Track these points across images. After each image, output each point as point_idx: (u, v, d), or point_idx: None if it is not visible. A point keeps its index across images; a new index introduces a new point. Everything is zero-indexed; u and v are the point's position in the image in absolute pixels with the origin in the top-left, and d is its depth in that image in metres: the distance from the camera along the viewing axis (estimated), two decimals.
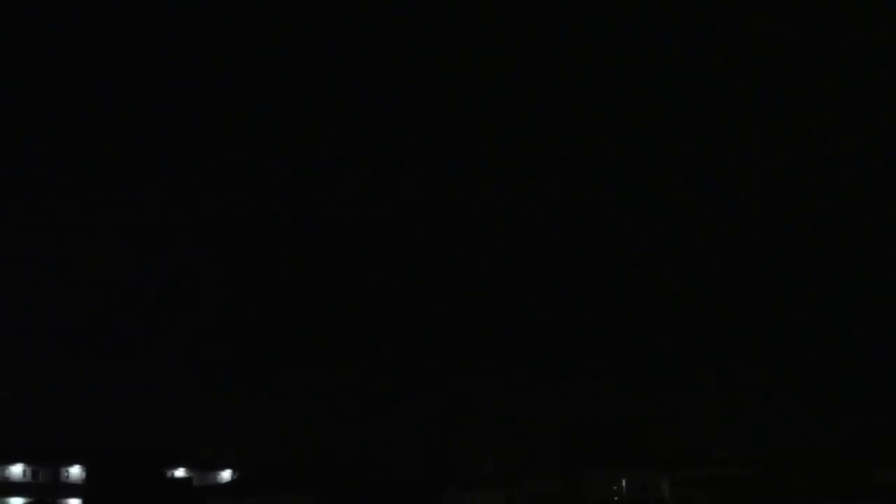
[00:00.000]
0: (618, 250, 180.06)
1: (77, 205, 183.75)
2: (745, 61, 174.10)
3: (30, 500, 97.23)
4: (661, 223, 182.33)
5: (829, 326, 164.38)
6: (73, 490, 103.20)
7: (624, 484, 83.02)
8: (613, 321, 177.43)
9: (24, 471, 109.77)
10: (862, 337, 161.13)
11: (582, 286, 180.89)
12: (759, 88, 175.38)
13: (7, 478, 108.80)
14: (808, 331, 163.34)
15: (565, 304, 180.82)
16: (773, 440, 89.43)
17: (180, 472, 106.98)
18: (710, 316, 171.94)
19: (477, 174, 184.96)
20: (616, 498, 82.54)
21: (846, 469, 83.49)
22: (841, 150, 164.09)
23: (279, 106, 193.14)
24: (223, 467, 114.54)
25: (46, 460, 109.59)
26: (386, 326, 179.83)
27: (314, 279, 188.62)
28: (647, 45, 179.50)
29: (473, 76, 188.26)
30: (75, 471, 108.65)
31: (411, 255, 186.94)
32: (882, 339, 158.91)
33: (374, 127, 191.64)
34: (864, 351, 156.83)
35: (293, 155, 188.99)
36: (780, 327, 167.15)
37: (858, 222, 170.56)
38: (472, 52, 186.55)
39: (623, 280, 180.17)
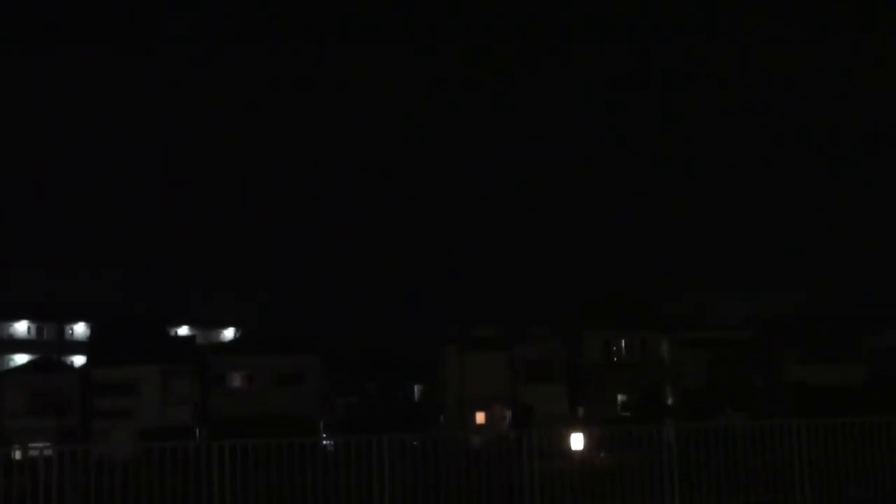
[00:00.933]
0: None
1: None
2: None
3: (34, 356, 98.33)
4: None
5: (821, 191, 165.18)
6: (77, 347, 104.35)
7: (623, 345, 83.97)
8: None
9: (29, 328, 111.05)
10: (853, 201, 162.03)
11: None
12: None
13: (12, 335, 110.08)
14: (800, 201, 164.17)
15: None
16: (769, 307, 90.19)
17: (184, 330, 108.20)
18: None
19: None
20: (615, 358, 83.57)
21: (838, 333, 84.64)
22: None
23: None
24: (227, 325, 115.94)
25: (51, 317, 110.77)
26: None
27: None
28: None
29: None
30: (80, 328, 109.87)
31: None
32: (872, 202, 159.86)
33: None
34: (856, 218, 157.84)
35: None
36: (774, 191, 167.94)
37: None
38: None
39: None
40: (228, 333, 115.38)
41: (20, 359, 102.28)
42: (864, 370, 79.59)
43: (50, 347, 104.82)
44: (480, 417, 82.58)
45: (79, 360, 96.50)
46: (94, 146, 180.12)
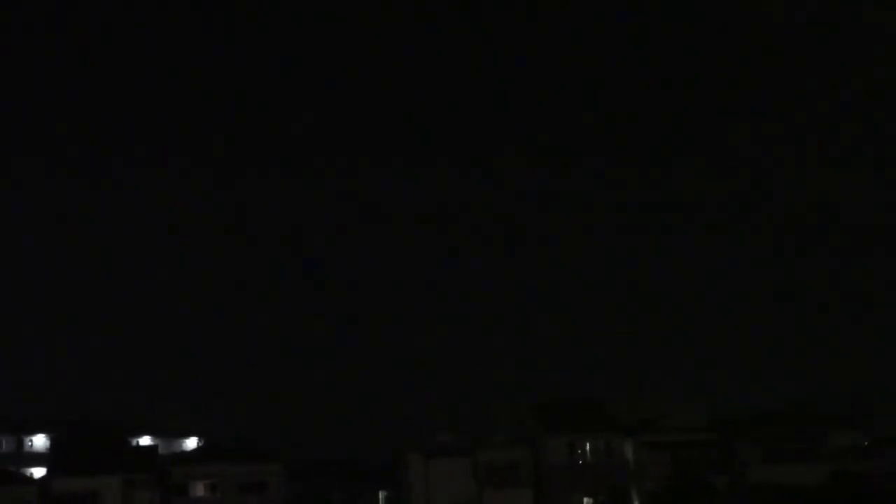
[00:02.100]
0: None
1: None
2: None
3: None
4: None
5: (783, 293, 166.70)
6: (36, 459, 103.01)
7: (587, 448, 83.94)
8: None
9: None
10: (813, 302, 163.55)
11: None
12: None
13: None
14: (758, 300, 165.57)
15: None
16: (729, 407, 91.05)
17: (145, 440, 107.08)
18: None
19: None
20: (580, 462, 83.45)
21: (801, 432, 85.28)
22: None
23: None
24: (189, 435, 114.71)
25: (9, 429, 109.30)
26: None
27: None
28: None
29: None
30: (39, 440, 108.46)
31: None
32: (833, 303, 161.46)
33: None
34: (816, 316, 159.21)
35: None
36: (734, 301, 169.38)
37: None
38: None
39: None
40: (190, 443, 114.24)
41: None
42: (825, 469, 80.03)
43: (8, 460, 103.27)
44: None
45: (38, 471, 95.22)
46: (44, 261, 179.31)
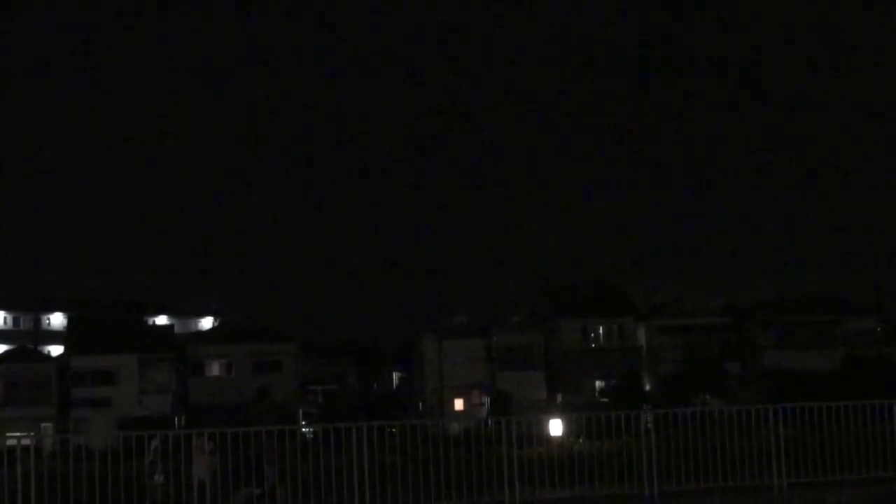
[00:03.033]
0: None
1: None
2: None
3: (11, 346, 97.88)
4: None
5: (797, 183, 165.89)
6: (54, 337, 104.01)
7: (601, 331, 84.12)
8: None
9: (6, 318, 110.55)
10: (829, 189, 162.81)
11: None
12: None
13: None
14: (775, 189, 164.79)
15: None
16: (744, 293, 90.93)
17: (162, 320, 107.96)
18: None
19: None
20: (593, 345, 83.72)
21: (814, 318, 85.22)
22: None
23: None
24: (205, 315, 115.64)
25: (28, 308, 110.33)
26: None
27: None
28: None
29: None
30: (57, 318, 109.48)
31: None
32: (844, 195, 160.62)
33: None
34: (830, 209, 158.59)
35: None
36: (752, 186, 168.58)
37: None
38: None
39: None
40: (206, 323, 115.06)
41: None
42: (838, 355, 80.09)
43: (27, 337, 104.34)
44: (459, 404, 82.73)
45: (56, 350, 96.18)
46: (68, 142, 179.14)
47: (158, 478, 24.80)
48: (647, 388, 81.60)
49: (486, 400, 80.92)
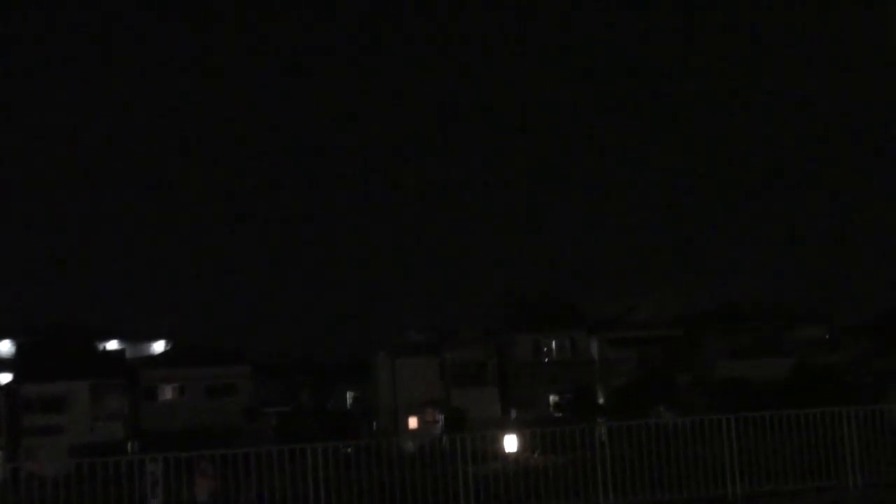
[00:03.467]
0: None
1: None
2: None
3: None
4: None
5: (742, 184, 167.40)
6: (4, 365, 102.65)
7: (553, 345, 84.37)
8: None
9: None
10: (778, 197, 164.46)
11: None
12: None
13: None
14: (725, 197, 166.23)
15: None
16: (693, 302, 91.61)
17: (113, 345, 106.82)
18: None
19: None
20: (546, 359, 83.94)
21: (764, 327, 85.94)
22: None
23: None
24: (156, 339, 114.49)
25: None
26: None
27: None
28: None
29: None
30: (6, 346, 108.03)
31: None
32: (792, 200, 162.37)
33: None
34: (779, 211, 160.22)
35: None
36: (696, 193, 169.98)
37: None
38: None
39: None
40: (158, 347, 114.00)
41: None
42: (788, 363, 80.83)
43: None
44: (413, 422, 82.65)
45: (5, 377, 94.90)
46: (11, 166, 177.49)
47: (155, 502, 24.62)
48: (601, 401, 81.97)
49: (441, 417, 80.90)
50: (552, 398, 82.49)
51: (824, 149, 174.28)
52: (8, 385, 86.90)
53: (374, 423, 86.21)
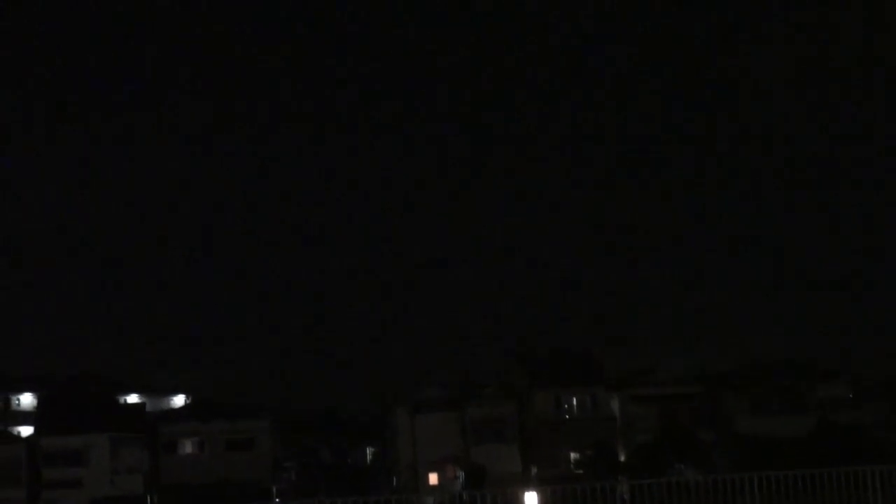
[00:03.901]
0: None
1: None
2: None
3: None
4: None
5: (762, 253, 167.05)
6: (24, 418, 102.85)
7: (574, 402, 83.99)
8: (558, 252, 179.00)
9: None
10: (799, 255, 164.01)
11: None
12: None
13: None
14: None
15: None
16: (716, 359, 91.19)
17: (133, 399, 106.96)
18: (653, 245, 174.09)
19: None
20: (567, 416, 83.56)
21: (787, 385, 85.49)
22: None
23: None
24: (177, 393, 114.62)
25: None
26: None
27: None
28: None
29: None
30: (27, 398, 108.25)
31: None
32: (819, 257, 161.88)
33: None
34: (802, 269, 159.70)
35: None
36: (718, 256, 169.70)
37: None
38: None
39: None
40: (178, 401, 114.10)
41: None
42: (811, 421, 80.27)
43: None
44: (433, 478, 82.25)
45: (26, 430, 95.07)
46: (34, 220, 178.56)
47: None
48: (622, 458, 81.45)
49: (461, 473, 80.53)
50: (573, 455, 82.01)
51: (846, 208, 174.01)
52: (29, 438, 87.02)
53: (394, 479, 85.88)
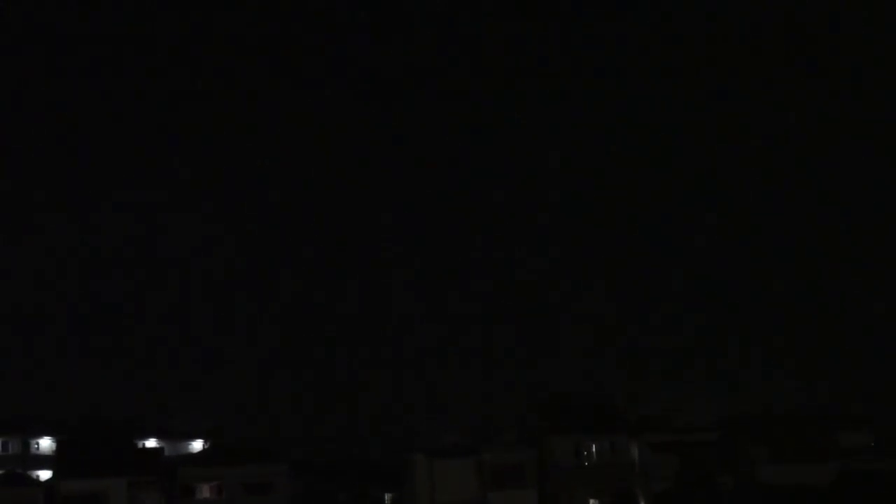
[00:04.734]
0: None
1: None
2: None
3: (0, 471, 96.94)
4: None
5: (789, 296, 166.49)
6: (43, 461, 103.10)
7: (593, 449, 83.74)
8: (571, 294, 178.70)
9: None
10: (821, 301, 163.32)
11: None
12: None
13: None
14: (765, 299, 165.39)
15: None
16: (736, 406, 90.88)
17: (151, 443, 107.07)
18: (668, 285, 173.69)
19: None
20: (586, 463, 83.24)
21: (809, 432, 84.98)
22: None
23: None
24: (194, 437, 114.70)
25: (16, 431, 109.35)
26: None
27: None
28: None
29: None
30: (45, 442, 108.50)
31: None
32: (842, 303, 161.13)
33: None
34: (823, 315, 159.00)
35: None
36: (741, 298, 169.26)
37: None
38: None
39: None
40: (196, 445, 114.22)
41: None
42: (833, 469, 79.64)
43: (15, 462, 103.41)
44: None
45: (45, 474, 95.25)
46: (46, 260, 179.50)
47: None
48: None
49: None
50: (592, 502, 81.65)
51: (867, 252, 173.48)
52: (48, 481, 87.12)
53: None
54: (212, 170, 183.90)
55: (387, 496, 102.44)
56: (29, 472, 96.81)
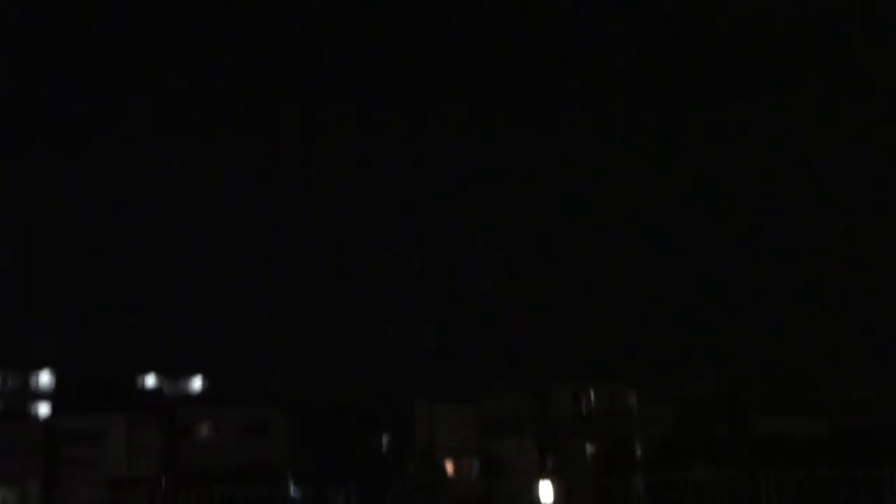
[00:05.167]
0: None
1: None
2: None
3: None
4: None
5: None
6: (41, 397, 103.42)
7: (592, 397, 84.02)
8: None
9: None
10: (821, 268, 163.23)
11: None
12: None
13: None
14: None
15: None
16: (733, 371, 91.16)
17: (150, 381, 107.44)
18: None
19: None
20: (584, 411, 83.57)
21: (804, 387, 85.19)
22: None
23: None
24: (195, 374, 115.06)
25: (15, 367, 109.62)
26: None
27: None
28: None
29: None
30: (45, 378, 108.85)
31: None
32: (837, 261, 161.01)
33: None
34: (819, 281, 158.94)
35: None
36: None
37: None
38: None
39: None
40: (196, 384, 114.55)
41: None
42: (827, 423, 79.94)
43: (14, 396, 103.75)
44: (449, 468, 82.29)
45: (43, 408, 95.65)
46: (53, 205, 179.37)
47: None
48: (639, 453, 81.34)
49: (476, 464, 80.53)
50: (590, 449, 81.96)
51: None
52: (46, 417, 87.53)
53: (410, 468, 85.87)
54: (211, 170, 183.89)
55: (384, 438, 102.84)
56: (28, 408, 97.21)
